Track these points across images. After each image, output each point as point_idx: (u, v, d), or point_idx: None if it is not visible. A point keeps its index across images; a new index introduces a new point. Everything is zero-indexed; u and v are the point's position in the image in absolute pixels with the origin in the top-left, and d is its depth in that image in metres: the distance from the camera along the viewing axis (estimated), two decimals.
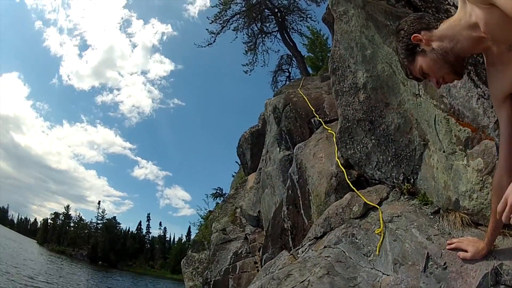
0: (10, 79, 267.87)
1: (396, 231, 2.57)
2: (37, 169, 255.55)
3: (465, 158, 2.28)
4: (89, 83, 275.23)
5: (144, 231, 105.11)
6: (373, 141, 3.33)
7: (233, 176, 16.88)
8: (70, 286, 23.64)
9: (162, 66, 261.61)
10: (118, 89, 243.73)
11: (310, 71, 15.55)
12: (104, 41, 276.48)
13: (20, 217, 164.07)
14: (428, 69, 1.52)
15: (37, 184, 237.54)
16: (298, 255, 3.62)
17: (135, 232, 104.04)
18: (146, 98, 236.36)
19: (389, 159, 3.16)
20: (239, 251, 7.90)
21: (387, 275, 2.33)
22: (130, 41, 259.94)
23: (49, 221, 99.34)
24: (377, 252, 2.56)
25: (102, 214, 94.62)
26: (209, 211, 16.53)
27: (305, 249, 3.55)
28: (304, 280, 2.67)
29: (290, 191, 5.06)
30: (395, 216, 2.74)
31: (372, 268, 2.50)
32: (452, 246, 2.12)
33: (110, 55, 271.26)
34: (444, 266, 2.09)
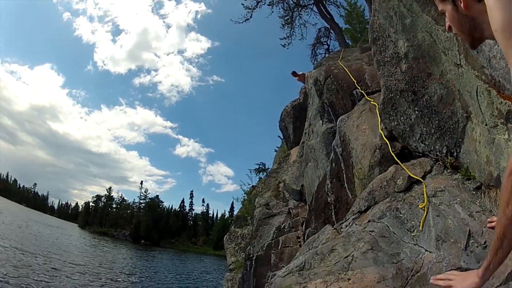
0: (43, 71, 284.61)
1: (440, 206, 2.62)
2: (77, 155, 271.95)
3: (506, 132, 2.26)
4: (125, 67, 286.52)
5: (187, 208, 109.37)
6: (416, 112, 3.38)
7: (276, 150, 17.22)
8: (114, 266, 25.24)
9: (198, 44, 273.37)
10: (156, 70, 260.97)
11: (349, 43, 15.36)
12: (137, 25, 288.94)
13: (60, 202, 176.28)
14: (449, 21, 1.55)
15: (77, 169, 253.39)
16: (342, 230, 3.73)
17: (178, 209, 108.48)
18: (184, 76, 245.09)
19: (433, 131, 3.21)
20: (282, 226, 8.08)
21: (430, 252, 2.38)
22: (164, 22, 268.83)
23: (90, 204, 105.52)
24: (420, 228, 2.61)
25: (144, 193, 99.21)
26: (252, 186, 16.96)
27: (349, 223, 3.67)
28: (348, 256, 2.76)
29: (333, 164, 5.14)
30: (439, 191, 2.77)
31: (415, 244, 2.55)
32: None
33: (145, 37, 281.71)
34: (484, 245, 2.11)
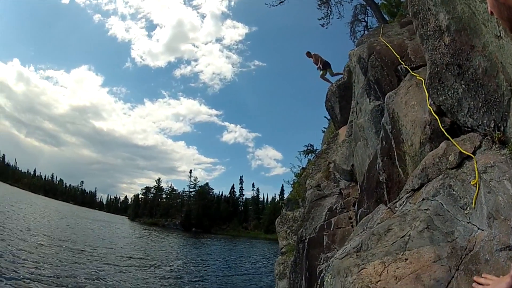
0: (80, 72, 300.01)
1: (490, 183, 2.66)
2: (123, 149, 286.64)
3: None
4: (164, 60, 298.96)
5: (237, 193, 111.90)
6: (463, 86, 3.41)
7: (323, 131, 17.29)
8: (166, 255, 26.56)
9: (236, 31, 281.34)
10: (196, 60, 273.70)
11: (387, 18, 14.98)
12: (171, 18, 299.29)
13: (109, 197, 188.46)
14: (490, 7, 1.64)
15: (125, 164, 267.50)
16: (396, 209, 3.85)
17: (228, 195, 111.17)
18: (225, 64, 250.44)
19: (480, 105, 3.24)
20: (334, 207, 8.19)
21: (482, 230, 2.47)
22: (198, 12, 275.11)
23: (140, 196, 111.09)
24: (473, 205, 2.67)
25: (194, 182, 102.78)
26: (302, 168, 17.15)
27: (403, 202, 3.79)
28: (404, 235, 2.89)
29: (384, 142, 5.23)
30: (489, 167, 2.81)
31: (468, 222, 2.64)
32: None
33: (180, 29, 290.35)
34: None
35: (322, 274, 3.56)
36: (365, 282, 2.62)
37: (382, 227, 3.25)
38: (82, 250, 18.71)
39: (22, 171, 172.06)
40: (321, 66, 11.97)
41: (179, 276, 16.32)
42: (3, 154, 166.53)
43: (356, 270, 2.80)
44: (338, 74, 11.81)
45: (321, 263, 7.52)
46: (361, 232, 3.96)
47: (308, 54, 11.72)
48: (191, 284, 14.73)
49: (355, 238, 3.66)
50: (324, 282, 3.18)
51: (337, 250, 7.12)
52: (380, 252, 2.85)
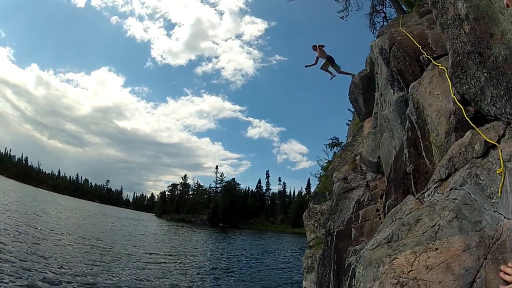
0: (101, 74, 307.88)
1: None
2: (148, 148, 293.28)
3: None
4: (185, 58, 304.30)
5: (264, 188, 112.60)
6: (485, 74, 3.44)
7: (348, 124, 17.32)
8: (194, 250, 27.09)
9: (255, 27, 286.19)
10: (216, 57, 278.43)
11: (405, 8, 14.84)
12: (189, 16, 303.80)
13: (135, 195, 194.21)
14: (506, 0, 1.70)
15: (150, 162, 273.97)
16: (424, 199, 3.92)
17: (255, 190, 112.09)
18: (246, 60, 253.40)
19: (502, 93, 3.28)
20: (361, 199, 8.25)
21: (508, 219, 2.52)
22: (216, 10, 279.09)
23: (166, 193, 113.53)
24: (499, 194, 2.71)
25: (220, 177, 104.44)
26: (329, 161, 17.20)
27: (431, 192, 3.86)
28: (434, 225, 2.95)
29: (409, 132, 5.25)
30: None
31: (495, 211, 2.67)
32: None
33: (199, 27, 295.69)
34: None
35: (353, 266, 3.64)
36: (397, 272, 2.68)
37: (411, 218, 3.32)
38: (109, 248, 19.28)
39: (46, 172, 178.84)
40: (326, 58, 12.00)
41: (208, 271, 16.64)
42: (26, 157, 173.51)
43: (388, 261, 2.88)
44: (346, 73, 11.80)
45: (349, 256, 7.59)
46: (390, 223, 4.02)
47: (314, 47, 11.75)
48: (220, 279, 15.01)
49: (385, 229, 3.72)
50: (356, 273, 3.24)
51: (365, 243, 7.21)
52: (411, 242, 2.92)
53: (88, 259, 14.50)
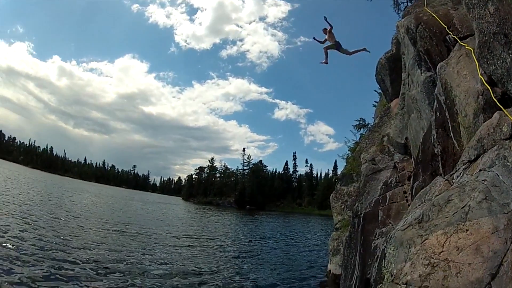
0: (124, 61, 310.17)
1: None
2: (175, 132, 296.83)
3: None
4: (209, 42, 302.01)
5: (291, 170, 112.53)
6: (510, 55, 3.44)
7: (374, 105, 17.14)
8: (222, 232, 27.45)
9: (278, 9, 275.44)
10: (241, 40, 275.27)
11: None
12: (211, 1, 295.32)
13: (162, 179, 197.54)
14: None
15: (177, 145, 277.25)
16: (453, 181, 3.98)
17: (282, 172, 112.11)
18: (271, 42, 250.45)
19: None
20: (389, 181, 8.28)
21: None
22: None
23: (193, 176, 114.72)
24: None
25: (248, 160, 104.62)
26: (356, 142, 17.13)
27: (460, 173, 3.91)
28: (464, 206, 3.03)
29: (438, 113, 5.25)
30: None
31: None
32: None
33: (222, 11, 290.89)
34: None
35: (383, 247, 3.73)
36: (428, 253, 2.78)
37: (442, 198, 3.38)
38: (136, 232, 19.57)
39: (72, 161, 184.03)
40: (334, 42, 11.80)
41: (234, 253, 16.88)
42: (51, 147, 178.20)
43: (419, 241, 2.98)
44: (357, 51, 11.57)
45: (376, 238, 7.65)
46: (419, 205, 4.07)
47: (325, 30, 11.56)
48: (246, 261, 15.27)
49: (415, 210, 3.79)
50: (386, 254, 3.35)
51: (392, 225, 7.26)
52: (442, 223, 3.00)
53: (115, 243, 14.83)
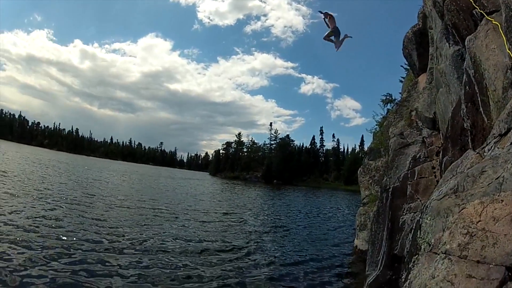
0: (147, 41, 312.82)
1: None
2: (201, 108, 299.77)
3: None
4: (232, 18, 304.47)
5: (318, 145, 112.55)
6: None
7: (401, 81, 16.94)
8: (249, 206, 28.01)
9: None
10: (265, 15, 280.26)
11: None
12: None
13: (189, 155, 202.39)
14: None
15: (203, 121, 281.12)
16: (485, 154, 4.01)
17: (309, 147, 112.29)
18: (295, 16, 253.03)
19: None
20: (417, 156, 8.31)
21: None
22: None
23: (221, 151, 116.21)
24: None
25: (275, 134, 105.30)
26: (383, 117, 17.04)
27: (491, 147, 3.93)
28: (498, 177, 3.07)
29: (467, 87, 5.25)
30: None
31: None
32: None
33: None
34: None
35: (418, 218, 3.85)
36: (466, 222, 2.85)
37: (475, 170, 3.45)
38: (163, 208, 20.13)
39: (98, 141, 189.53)
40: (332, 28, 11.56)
41: (261, 228, 17.15)
42: (77, 128, 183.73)
43: (456, 210, 3.07)
44: (344, 39, 11.30)
45: (404, 214, 7.77)
46: (450, 178, 4.17)
47: (326, 14, 11.33)
48: (272, 236, 15.53)
49: (449, 181, 3.90)
50: (422, 225, 3.46)
51: (420, 201, 7.35)
52: (478, 193, 3.07)
53: (143, 219, 15.27)
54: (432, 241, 3.19)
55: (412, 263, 3.62)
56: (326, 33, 11.33)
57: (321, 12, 11.08)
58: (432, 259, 3.07)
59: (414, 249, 3.66)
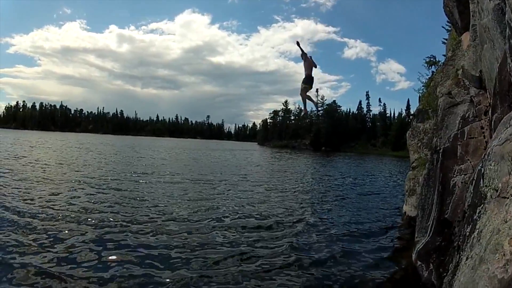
0: (184, 17, 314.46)
1: None
2: (245, 78, 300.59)
3: None
4: None
5: (365, 110, 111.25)
6: None
7: (443, 42, 16.56)
8: (300, 174, 28.80)
9: None
10: None
11: None
12: None
13: (237, 126, 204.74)
14: None
15: (249, 92, 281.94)
16: None
17: (356, 112, 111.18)
18: None
19: None
20: (466, 115, 8.27)
21: None
22: None
23: (268, 120, 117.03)
24: None
25: (321, 100, 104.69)
26: (429, 78, 16.77)
27: None
28: None
29: (511, 40, 5.25)
30: None
31: None
32: None
33: None
34: None
35: (479, 167, 4.03)
36: None
37: None
38: (212, 180, 21.04)
39: (144, 120, 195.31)
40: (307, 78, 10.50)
41: (310, 196, 17.48)
42: (121, 110, 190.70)
43: None
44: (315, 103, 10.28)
45: (455, 176, 7.81)
46: (504, 130, 4.28)
47: (302, 51, 10.43)
48: (322, 202, 15.88)
49: (506, 130, 4.04)
50: (485, 172, 3.62)
51: (470, 162, 7.36)
52: None
53: (196, 194, 15.86)
54: (500, 185, 3.30)
55: (477, 214, 3.78)
56: (303, 87, 10.68)
57: (298, 44, 10.55)
58: (501, 204, 3.17)
59: (477, 201, 3.79)
